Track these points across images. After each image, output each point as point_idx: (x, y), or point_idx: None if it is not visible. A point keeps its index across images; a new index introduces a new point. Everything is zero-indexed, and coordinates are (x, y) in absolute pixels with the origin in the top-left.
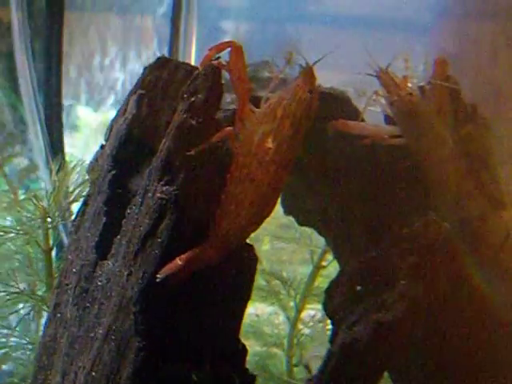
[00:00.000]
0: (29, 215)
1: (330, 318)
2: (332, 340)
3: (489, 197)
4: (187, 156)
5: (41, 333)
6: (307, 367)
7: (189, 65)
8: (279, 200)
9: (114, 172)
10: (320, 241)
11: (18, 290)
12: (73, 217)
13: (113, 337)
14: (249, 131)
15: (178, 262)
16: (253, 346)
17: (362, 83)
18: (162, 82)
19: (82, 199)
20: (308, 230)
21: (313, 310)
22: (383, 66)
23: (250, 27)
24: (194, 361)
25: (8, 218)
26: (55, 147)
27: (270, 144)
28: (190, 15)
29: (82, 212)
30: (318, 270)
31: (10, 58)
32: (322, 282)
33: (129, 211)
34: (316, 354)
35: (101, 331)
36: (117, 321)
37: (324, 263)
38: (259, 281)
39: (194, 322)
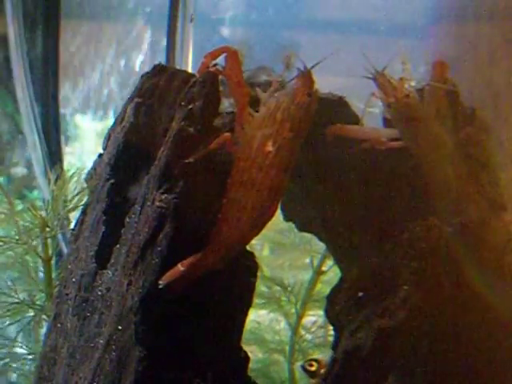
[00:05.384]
0: (27, 225)
1: (332, 325)
2: (335, 346)
3: (489, 200)
4: (186, 164)
5: (41, 343)
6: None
7: (185, 72)
8: (279, 206)
9: (112, 181)
10: (320, 246)
11: (17, 300)
12: (72, 226)
13: (113, 346)
14: (248, 135)
15: (180, 268)
16: (254, 353)
17: (360, 87)
18: (158, 89)
19: (80, 208)
20: (308, 236)
21: (314, 316)
22: (379, 69)
23: (246, 33)
24: (195, 370)
25: (7, 228)
26: (53, 156)
27: (269, 147)
28: (186, 22)
29: (80, 221)
30: (318, 275)
31: (7, 68)
32: (322, 288)
33: (128, 220)
34: None
35: (101, 341)
36: (117, 330)
37: (324, 268)
38: (260, 287)
39: (195, 330)
